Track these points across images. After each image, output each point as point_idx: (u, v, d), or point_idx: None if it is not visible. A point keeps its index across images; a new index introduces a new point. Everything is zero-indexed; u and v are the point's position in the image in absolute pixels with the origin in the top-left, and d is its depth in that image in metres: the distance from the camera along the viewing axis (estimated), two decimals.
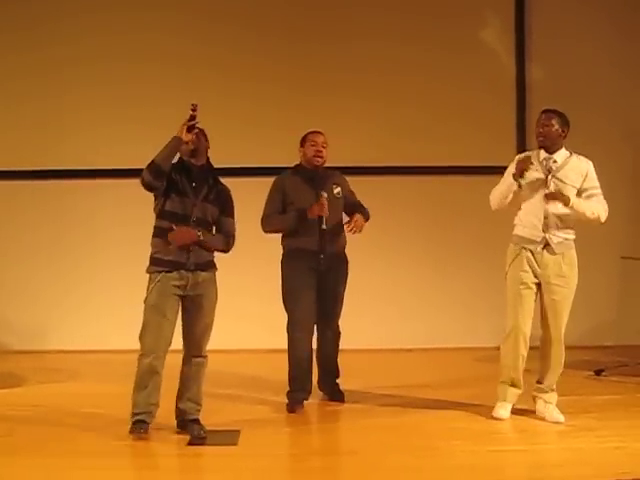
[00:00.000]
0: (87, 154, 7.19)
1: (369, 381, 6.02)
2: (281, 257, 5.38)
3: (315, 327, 5.36)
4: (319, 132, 5.38)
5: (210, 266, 4.72)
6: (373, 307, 7.21)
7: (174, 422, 4.82)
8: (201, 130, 4.67)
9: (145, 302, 4.62)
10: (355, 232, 5.31)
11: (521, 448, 4.54)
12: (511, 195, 4.99)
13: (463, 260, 7.32)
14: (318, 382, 5.52)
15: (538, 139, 4.96)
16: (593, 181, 4.97)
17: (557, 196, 4.86)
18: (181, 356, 4.74)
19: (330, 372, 5.51)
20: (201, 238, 4.56)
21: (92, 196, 7.24)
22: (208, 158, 4.76)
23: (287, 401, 5.28)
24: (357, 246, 7.20)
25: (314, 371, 5.41)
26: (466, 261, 7.30)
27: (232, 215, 4.78)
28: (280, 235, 5.37)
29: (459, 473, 4.11)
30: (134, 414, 4.59)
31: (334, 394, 5.49)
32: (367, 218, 5.43)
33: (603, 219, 4.97)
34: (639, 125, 7.46)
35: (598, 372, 6.19)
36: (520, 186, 4.92)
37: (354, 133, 7.21)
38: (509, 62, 7.44)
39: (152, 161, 4.47)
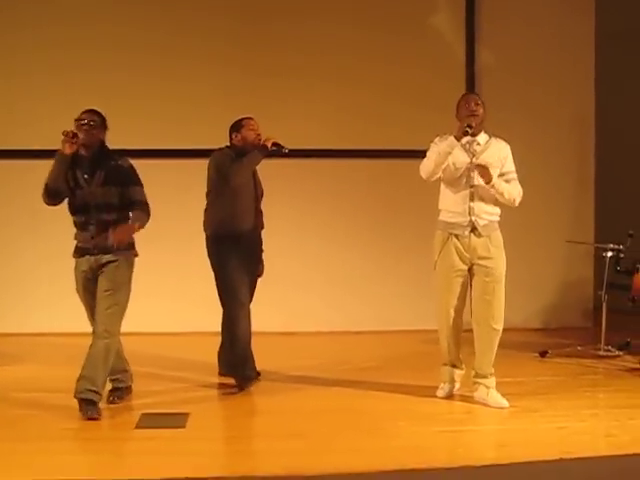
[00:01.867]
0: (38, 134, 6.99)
1: (317, 363, 6.04)
2: (208, 242, 5.39)
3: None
4: (248, 117, 5.48)
5: (117, 248, 4.75)
6: (322, 289, 7.24)
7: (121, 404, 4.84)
8: (92, 122, 4.73)
9: None
10: None
11: (466, 429, 4.60)
12: (447, 161, 4.95)
13: (413, 243, 7.35)
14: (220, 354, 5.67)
15: (471, 121, 4.89)
16: (511, 165, 5.06)
17: (484, 171, 4.89)
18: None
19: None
20: (137, 228, 4.72)
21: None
22: (103, 145, 4.83)
23: (236, 381, 5.31)
24: (308, 228, 7.24)
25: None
26: (416, 244, 7.30)
27: (136, 183, 4.83)
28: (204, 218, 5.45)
29: (405, 453, 4.15)
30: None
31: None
32: None
33: (517, 203, 5.04)
34: (587, 112, 7.56)
35: (542, 354, 6.29)
36: (468, 132, 4.85)
37: (305, 116, 7.19)
38: (459, 46, 7.47)
39: (45, 184, 4.68)
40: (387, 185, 7.38)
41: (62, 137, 4.59)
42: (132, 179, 4.82)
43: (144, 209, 4.81)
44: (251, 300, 5.48)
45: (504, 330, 4.98)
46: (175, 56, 7.18)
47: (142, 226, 4.76)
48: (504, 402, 4.93)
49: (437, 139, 5.03)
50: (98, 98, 6.86)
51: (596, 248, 7.03)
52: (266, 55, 7.25)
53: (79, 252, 4.84)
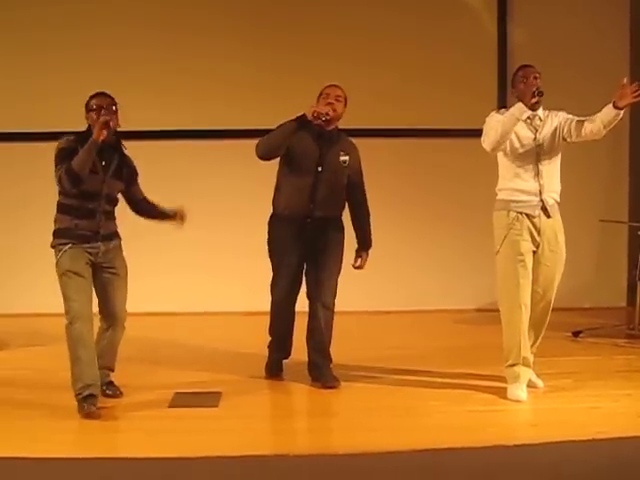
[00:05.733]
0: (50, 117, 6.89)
1: (347, 343, 6.02)
2: (269, 217, 5.15)
3: (308, 301, 5.13)
4: (334, 85, 5.08)
5: (116, 236, 4.71)
6: (351, 269, 7.22)
7: (150, 382, 4.92)
8: (114, 107, 4.53)
9: (58, 270, 4.49)
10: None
11: (498, 408, 4.59)
12: (514, 128, 4.63)
13: (443, 222, 7.35)
14: (307, 365, 5.14)
15: (535, 96, 4.62)
16: (568, 115, 4.85)
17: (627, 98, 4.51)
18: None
19: (318, 354, 5.10)
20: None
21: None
22: (116, 133, 4.61)
23: (267, 361, 5.25)
24: None
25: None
26: (445, 223, 7.33)
27: (137, 180, 4.79)
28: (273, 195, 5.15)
29: (436, 432, 4.16)
30: (78, 390, 4.41)
31: (325, 380, 5.01)
32: (369, 242, 5.32)
33: None
34: None
35: (576, 334, 6.25)
36: (542, 94, 4.62)
37: None
38: (491, 25, 7.41)
39: (71, 168, 4.34)
40: (416, 164, 7.36)
41: (98, 123, 4.34)
42: (136, 176, 4.77)
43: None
44: (297, 289, 5.11)
45: None
46: (207, 35, 7.16)
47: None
48: (539, 382, 4.89)
49: (493, 112, 4.81)
50: (125, 76, 6.99)
51: (630, 227, 6.97)
52: (297, 35, 7.25)
53: (79, 239, 4.50)
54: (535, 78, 4.73)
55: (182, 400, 4.69)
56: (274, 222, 5.12)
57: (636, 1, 7.39)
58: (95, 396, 4.42)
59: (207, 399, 4.70)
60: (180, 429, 4.24)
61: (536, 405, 4.65)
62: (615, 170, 7.52)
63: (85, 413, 4.35)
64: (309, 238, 5.02)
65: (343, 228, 5.21)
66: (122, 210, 4.90)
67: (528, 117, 4.75)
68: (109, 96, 4.56)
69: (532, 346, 4.91)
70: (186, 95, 7.11)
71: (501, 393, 4.77)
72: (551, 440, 4.00)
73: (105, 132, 4.35)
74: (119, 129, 4.57)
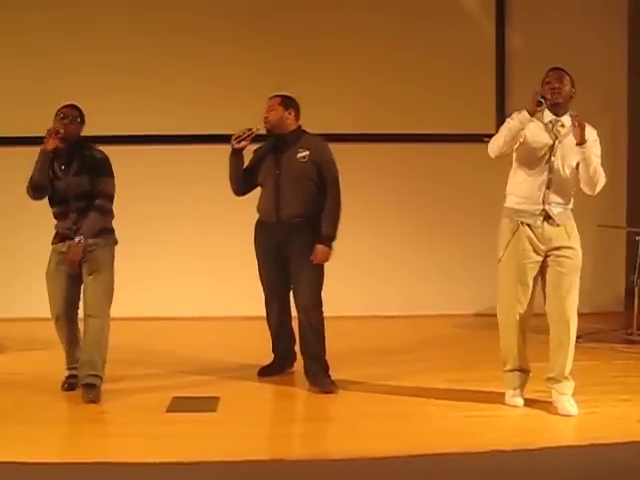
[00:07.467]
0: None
1: (347, 348, 6.05)
2: None
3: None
4: (271, 96, 5.21)
5: (102, 233, 4.82)
6: (352, 274, 7.23)
7: (148, 386, 4.94)
8: (73, 116, 4.81)
9: None
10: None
11: (496, 414, 4.59)
12: (518, 139, 4.46)
13: (442, 228, 7.35)
14: (304, 370, 5.14)
15: (552, 95, 4.46)
16: (596, 150, 4.56)
17: (582, 127, 4.42)
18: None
19: (311, 360, 5.09)
20: (82, 242, 4.71)
21: None
22: (80, 137, 4.87)
23: None
24: None
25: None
26: (445, 229, 7.33)
27: (106, 174, 4.85)
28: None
29: (436, 438, 4.16)
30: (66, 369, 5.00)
31: (322, 385, 5.00)
32: (334, 222, 5.10)
33: (598, 189, 4.59)
34: (618, 96, 7.47)
35: None
36: (542, 104, 4.40)
37: (335, 101, 7.18)
38: (489, 30, 7.41)
39: (30, 178, 4.77)
40: (415, 169, 7.36)
41: (48, 131, 4.67)
42: (103, 169, 4.84)
43: (102, 206, 4.80)
44: (285, 290, 5.18)
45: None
46: (207, 39, 7.15)
47: (95, 231, 4.78)
48: (572, 410, 4.52)
49: (515, 114, 4.49)
50: (126, 80, 6.99)
51: (628, 232, 6.97)
52: (297, 40, 7.25)
53: (58, 237, 4.88)
54: (560, 81, 4.55)
55: (180, 405, 4.69)
56: (255, 230, 5.24)
57: (635, 8, 7.40)
58: (88, 385, 4.72)
59: (205, 404, 4.69)
60: (178, 434, 4.23)
61: (534, 410, 4.64)
62: (613, 175, 7.46)
63: (83, 400, 4.70)
64: (281, 242, 5.05)
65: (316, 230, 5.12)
66: (120, 212, 4.94)
67: (550, 121, 4.55)
68: (72, 106, 4.86)
69: (556, 363, 4.65)
70: (185, 99, 7.10)
71: (499, 398, 4.76)
72: (549, 445, 4.01)
73: (53, 141, 4.67)
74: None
